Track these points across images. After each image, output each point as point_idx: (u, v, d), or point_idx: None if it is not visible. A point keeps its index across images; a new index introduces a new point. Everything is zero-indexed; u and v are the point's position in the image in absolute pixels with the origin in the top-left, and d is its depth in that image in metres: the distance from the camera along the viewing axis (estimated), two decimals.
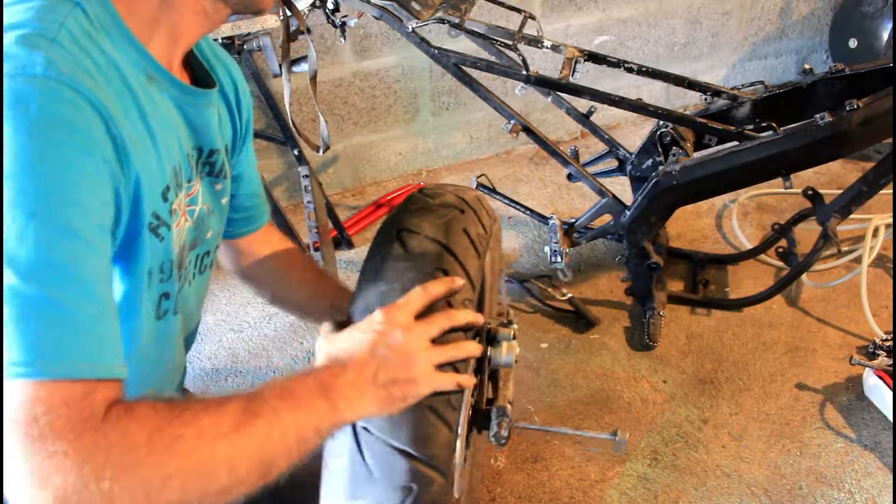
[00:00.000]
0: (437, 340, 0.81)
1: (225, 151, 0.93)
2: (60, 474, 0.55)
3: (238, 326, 1.97)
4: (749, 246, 2.12)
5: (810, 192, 1.74)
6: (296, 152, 2.03)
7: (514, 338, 1.08)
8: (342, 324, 0.83)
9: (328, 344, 0.80)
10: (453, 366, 0.82)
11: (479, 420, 1.06)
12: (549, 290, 1.97)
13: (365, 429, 0.78)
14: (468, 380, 0.82)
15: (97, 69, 0.68)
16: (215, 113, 0.90)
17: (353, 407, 0.74)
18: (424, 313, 0.81)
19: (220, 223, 0.97)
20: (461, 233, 0.92)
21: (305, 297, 1.13)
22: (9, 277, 0.57)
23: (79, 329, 0.60)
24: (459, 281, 0.84)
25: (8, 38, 0.63)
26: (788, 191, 1.76)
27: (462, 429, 0.95)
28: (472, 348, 0.84)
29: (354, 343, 0.78)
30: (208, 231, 0.92)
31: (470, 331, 0.93)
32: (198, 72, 0.88)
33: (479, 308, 1.27)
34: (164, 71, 0.77)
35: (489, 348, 1.06)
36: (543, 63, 2.46)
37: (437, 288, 0.82)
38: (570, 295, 1.93)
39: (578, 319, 1.92)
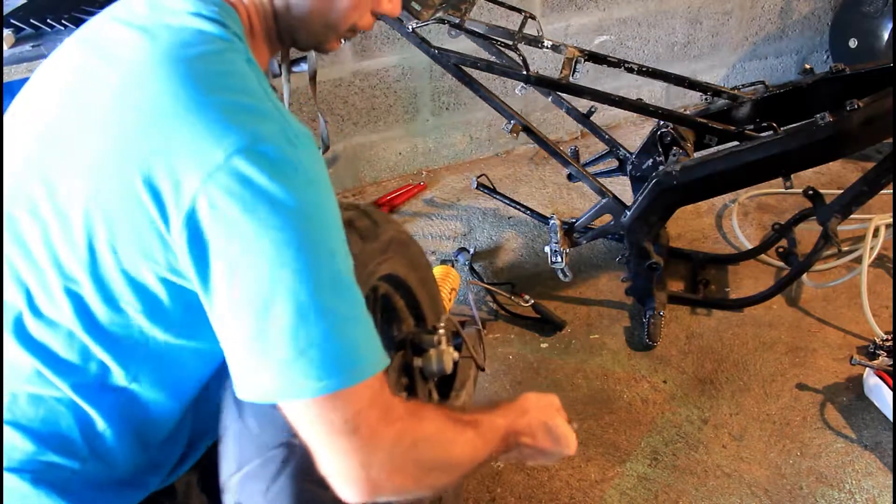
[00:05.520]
0: None
1: None
2: (377, 456, 0.70)
3: None
4: (749, 246, 2.12)
5: (811, 192, 1.74)
6: None
7: (440, 343, 1.05)
8: None
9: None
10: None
11: None
12: (512, 297, 1.94)
13: None
14: None
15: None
16: None
17: None
18: None
19: None
20: None
21: None
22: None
23: (366, 332, 0.72)
24: None
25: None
26: (789, 191, 1.76)
27: None
28: None
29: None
30: None
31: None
32: None
33: (421, 318, 1.25)
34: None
35: (417, 359, 1.05)
36: (543, 63, 2.46)
37: None
38: (532, 301, 1.91)
39: (545, 325, 1.90)
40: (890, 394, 1.59)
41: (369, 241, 1.01)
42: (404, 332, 1.11)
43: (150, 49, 0.72)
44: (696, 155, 1.71)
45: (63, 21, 1.40)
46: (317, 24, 0.82)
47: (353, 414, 0.69)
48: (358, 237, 0.98)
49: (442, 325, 1.10)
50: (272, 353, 0.67)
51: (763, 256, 2.07)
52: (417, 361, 1.05)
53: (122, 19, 0.76)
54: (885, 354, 1.70)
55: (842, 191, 1.71)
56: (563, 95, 1.84)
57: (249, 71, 0.73)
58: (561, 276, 1.86)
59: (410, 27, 1.65)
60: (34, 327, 0.75)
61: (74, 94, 0.74)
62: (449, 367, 1.05)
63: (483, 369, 1.21)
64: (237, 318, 0.68)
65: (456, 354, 1.09)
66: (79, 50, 0.78)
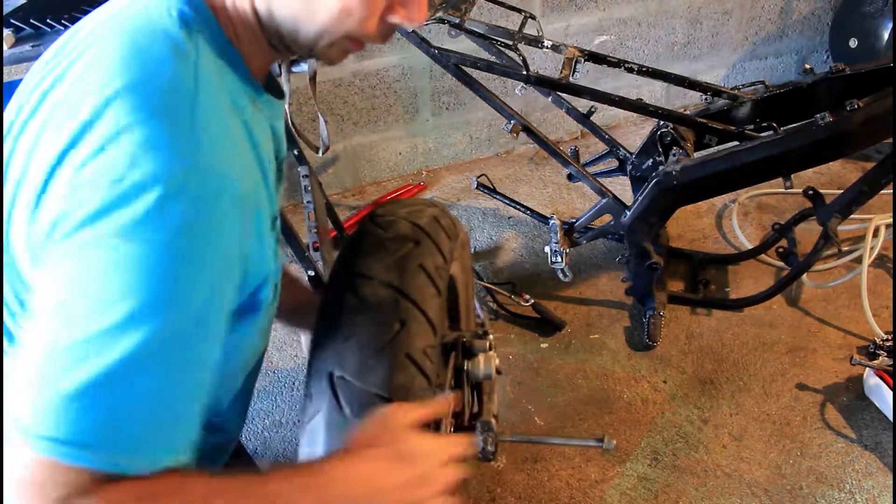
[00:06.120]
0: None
1: None
2: None
3: None
4: (749, 246, 2.12)
5: (811, 192, 1.74)
6: (296, 152, 2.02)
7: (491, 348, 1.04)
8: None
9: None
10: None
11: None
12: (512, 297, 1.94)
13: None
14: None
15: (225, 113, 0.68)
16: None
17: None
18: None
19: None
20: (417, 271, 0.87)
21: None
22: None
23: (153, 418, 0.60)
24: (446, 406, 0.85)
25: (148, 88, 0.62)
26: (789, 191, 1.76)
27: None
28: None
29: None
30: None
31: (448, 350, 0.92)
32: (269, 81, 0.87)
33: (455, 320, 1.25)
34: (265, 93, 0.80)
35: (466, 362, 1.03)
36: (543, 63, 2.46)
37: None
38: (532, 301, 1.91)
39: (545, 325, 1.90)
40: (890, 394, 1.59)
41: (453, 240, 1.00)
42: (449, 334, 1.10)
43: (105, 48, 0.69)
44: (696, 155, 1.71)
45: (63, 21, 1.40)
46: (302, 30, 0.75)
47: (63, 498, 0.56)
48: (445, 235, 0.97)
49: (490, 330, 1.09)
50: (28, 378, 0.58)
51: (763, 256, 2.07)
52: (467, 365, 1.03)
53: (107, 15, 0.75)
54: (885, 354, 1.70)
55: (842, 191, 1.71)
56: (563, 95, 1.84)
57: (190, 80, 0.66)
58: (561, 276, 1.86)
59: (410, 27, 1.65)
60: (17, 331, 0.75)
61: (55, 93, 0.72)
62: (494, 373, 1.04)
63: (500, 373, 1.20)
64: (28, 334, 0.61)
65: (498, 360, 1.08)
66: (65, 47, 0.77)
